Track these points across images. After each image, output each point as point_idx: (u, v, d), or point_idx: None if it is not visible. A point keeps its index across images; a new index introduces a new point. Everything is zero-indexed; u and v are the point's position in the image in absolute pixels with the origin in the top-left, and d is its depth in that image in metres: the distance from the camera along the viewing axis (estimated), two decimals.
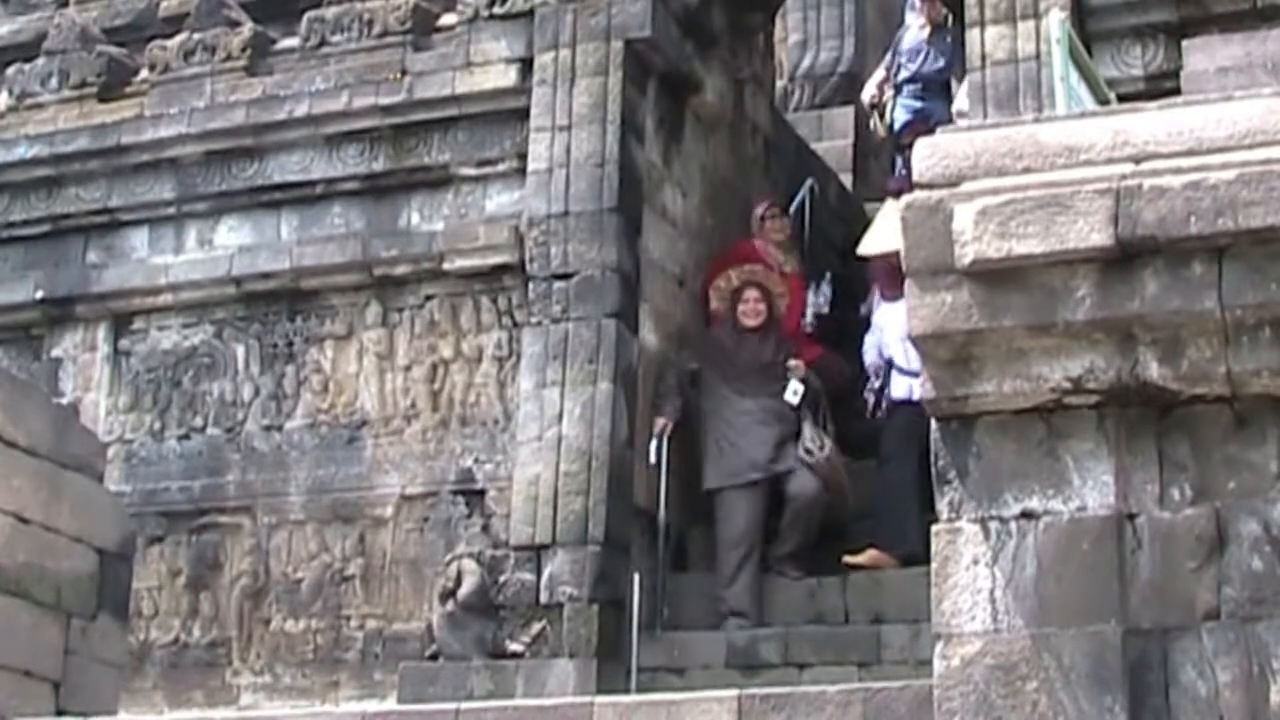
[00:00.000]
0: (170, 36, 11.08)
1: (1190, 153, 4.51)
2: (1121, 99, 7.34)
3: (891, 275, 8.65)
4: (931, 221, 4.65)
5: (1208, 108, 4.63)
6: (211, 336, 10.57)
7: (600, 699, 5.82)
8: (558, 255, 9.45)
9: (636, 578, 8.98)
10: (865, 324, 10.02)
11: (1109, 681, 4.42)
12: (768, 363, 9.61)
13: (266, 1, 11.27)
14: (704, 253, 10.41)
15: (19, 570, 6.97)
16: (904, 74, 11.62)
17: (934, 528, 4.70)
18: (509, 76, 9.92)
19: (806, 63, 14.62)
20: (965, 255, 4.56)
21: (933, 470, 4.74)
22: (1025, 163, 4.67)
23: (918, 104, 11.44)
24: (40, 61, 11.30)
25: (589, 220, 9.45)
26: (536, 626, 8.88)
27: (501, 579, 9.01)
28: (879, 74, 11.91)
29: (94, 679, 7.32)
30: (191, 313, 10.64)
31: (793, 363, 9.56)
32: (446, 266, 9.95)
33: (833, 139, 13.74)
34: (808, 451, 9.32)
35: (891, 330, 9.32)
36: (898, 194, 7.36)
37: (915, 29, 11.71)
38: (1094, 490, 4.56)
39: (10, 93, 11.32)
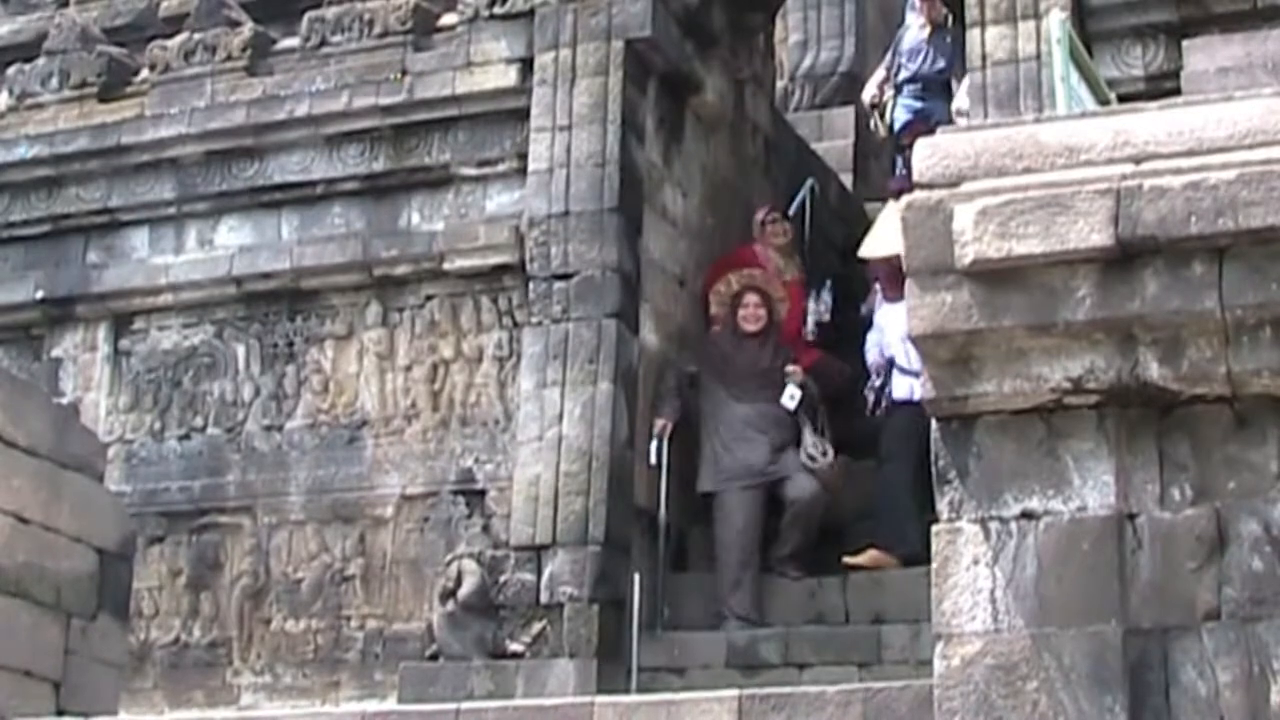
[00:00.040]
0: (170, 36, 11.08)
1: (1190, 153, 4.51)
2: (1122, 99, 7.34)
3: (893, 276, 8.65)
4: (931, 221, 4.65)
5: (1208, 108, 4.63)
6: (212, 336, 10.57)
7: (600, 699, 5.82)
8: (558, 255, 9.45)
9: (637, 578, 8.98)
10: (866, 324, 10.01)
11: (1109, 681, 4.42)
12: (766, 368, 9.61)
13: (266, 1, 11.27)
14: (704, 253, 10.41)
15: (19, 570, 6.97)
16: (904, 74, 11.61)
17: (934, 528, 4.70)
18: (509, 76, 9.92)
19: (807, 63, 14.62)
20: (965, 255, 4.56)
21: (933, 470, 4.74)
22: (1025, 163, 4.67)
23: (918, 104, 11.44)
24: (40, 61, 11.30)
25: (589, 220, 9.45)
26: (537, 626, 8.88)
27: (502, 579, 9.01)
28: (879, 74, 11.90)
29: (94, 679, 7.32)
30: (192, 313, 10.64)
31: (790, 368, 9.56)
32: (447, 266, 9.95)
33: (833, 139, 13.74)
34: (810, 458, 9.33)
35: (893, 330, 9.32)
36: (898, 194, 7.34)
37: (915, 29, 11.71)
38: (1094, 490, 4.56)
39: (10, 93, 11.32)
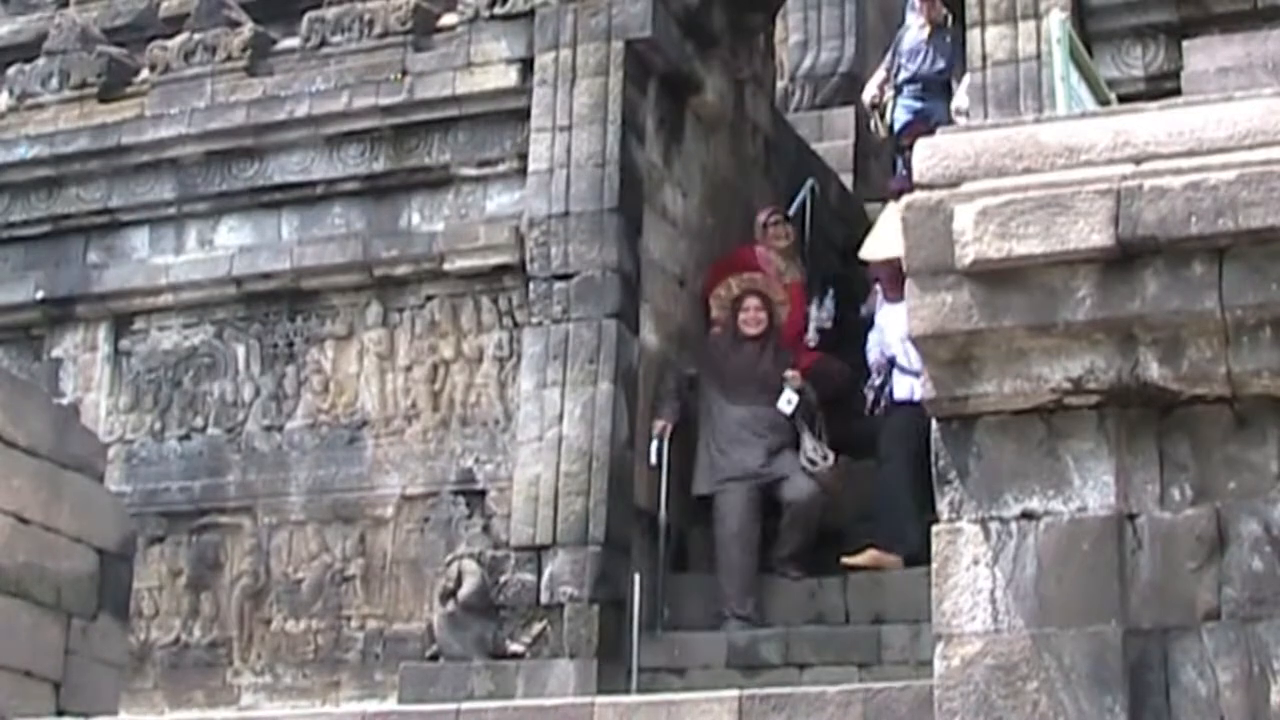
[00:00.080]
0: (170, 37, 11.08)
1: (1191, 153, 4.51)
2: (1122, 99, 7.34)
3: (894, 277, 8.65)
4: (932, 222, 4.65)
5: (1208, 108, 4.64)
6: (212, 337, 10.57)
7: (601, 699, 5.82)
8: (558, 255, 9.45)
9: (637, 578, 8.97)
10: (866, 325, 10.02)
11: (1109, 682, 4.42)
12: (765, 371, 9.61)
13: (267, 1, 11.27)
14: (704, 253, 10.41)
15: (19, 570, 6.97)
16: (904, 74, 11.62)
17: (934, 528, 4.70)
18: (509, 77, 9.92)
19: (807, 63, 14.62)
20: (965, 255, 4.56)
21: (933, 470, 4.74)
22: (1026, 163, 4.67)
23: (918, 104, 11.45)
24: (41, 62, 11.30)
25: (589, 220, 9.45)
26: (537, 627, 8.88)
27: (502, 579, 9.01)
28: (879, 74, 11.91)
29: (94, 679, 7.31)
30: (192, 313, 10.64)
31: (789, 373, 9.55)
32: (447, 267, 9.95)
33: (833, 139, 13.74)
34: (810, 462, 9.33)
35: (893, 331, 9.32)
36: (899, 195, 7.35)
37: (915, 29, 11.72)
38: (1094, 490, 4.56)
39: (11, 93, 11.32)
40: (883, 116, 11.79)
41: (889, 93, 11.69)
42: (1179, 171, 4.45)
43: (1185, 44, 8.78)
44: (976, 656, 4.53)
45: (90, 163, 10.87)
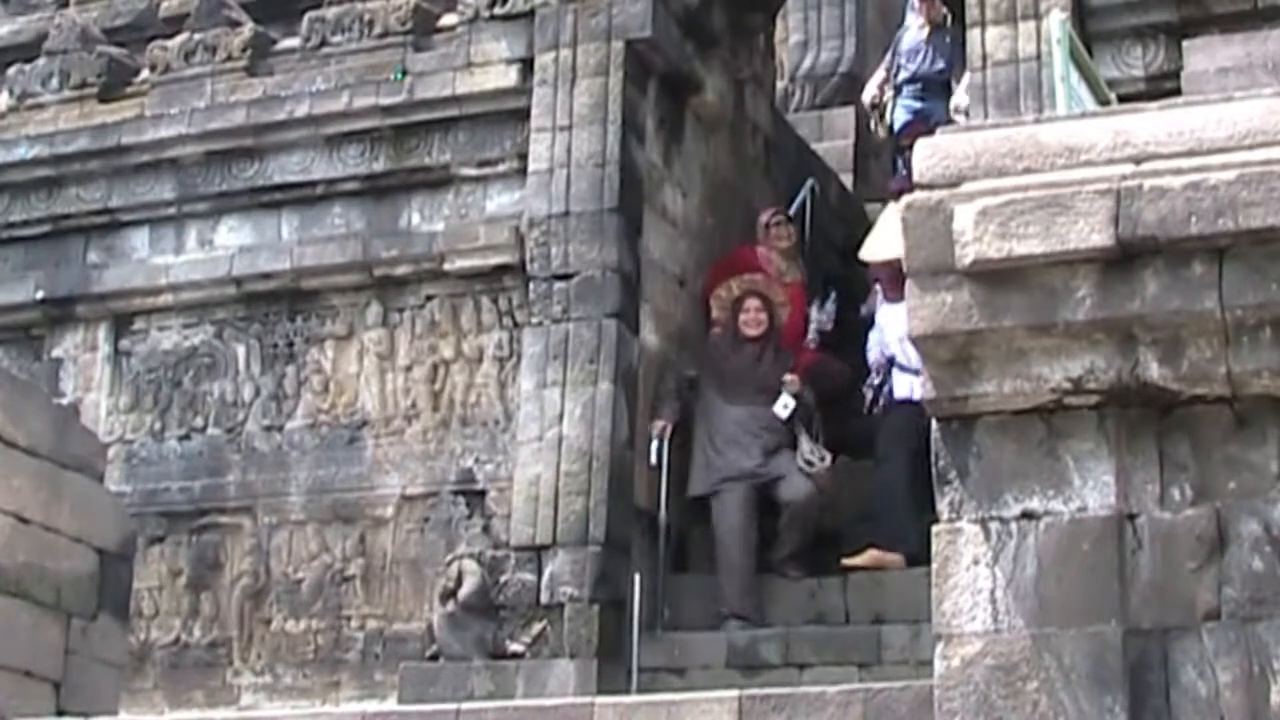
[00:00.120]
0: (170, 37, 11.08)
1: (1190, 153, 4.51)
2: (1122, 99, 7.35)
3: (894, 277, 8.65)
4: (932, 222, 4.65)
5: (1208, 108, 4.64)
6: (212, 337, 10.57)
7: (601, 699, 5.82)
8: (558, 255, 9.45)
9: (637, 578, 8.97)
10: (866, 325, 10.02)
11: (1109, 682, 4.42)
12: (765, 373, 9.60)
13: (267, 1, 11.27)
14: (704, 253, 10.41)
15: (19, 570, 6.97)
16: (903, 74, 11.62)
17: (934, 528, 4.70)
18: (509, 77, 9.92)
19: (807, 63, 14.62)
20: (965, 255, 4.56)
21: (933, 470, 4.74)
22: (1026, 163, 4.67)
23: (918, 104, 11.45)
24: (41, 62, 11.30)
25: (589, 220, 9.45)
26: (537, 627, 8.88)
27: (502, 579, 9.01)
28: (879, 75, 11.91)
29: (94, 679, 7.31)
30: (192, 313, 10.64)
31: (787, 377, 9.53)
32: (447, 267, 9.95)
33: (833, 139, 13.74)
34: (808, 463, 9.33)
35: (892, 330, 9.33)
36: (899, 195, 7.35)
37: (914, 29, 11.72)
38: (1094, 490, 4.56)
39: (11, 93, 11.32)
40: (882, 116, 11.79)
41: (889, 93, 11.70)
42: (1179, 171, 4.45)
43: (1185, 44, 8.78)
44: (976, 656, 4.53)
45: (90, 163, 10.87)
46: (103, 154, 10.82)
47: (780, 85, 13.56)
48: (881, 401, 9.59)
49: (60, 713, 7.01)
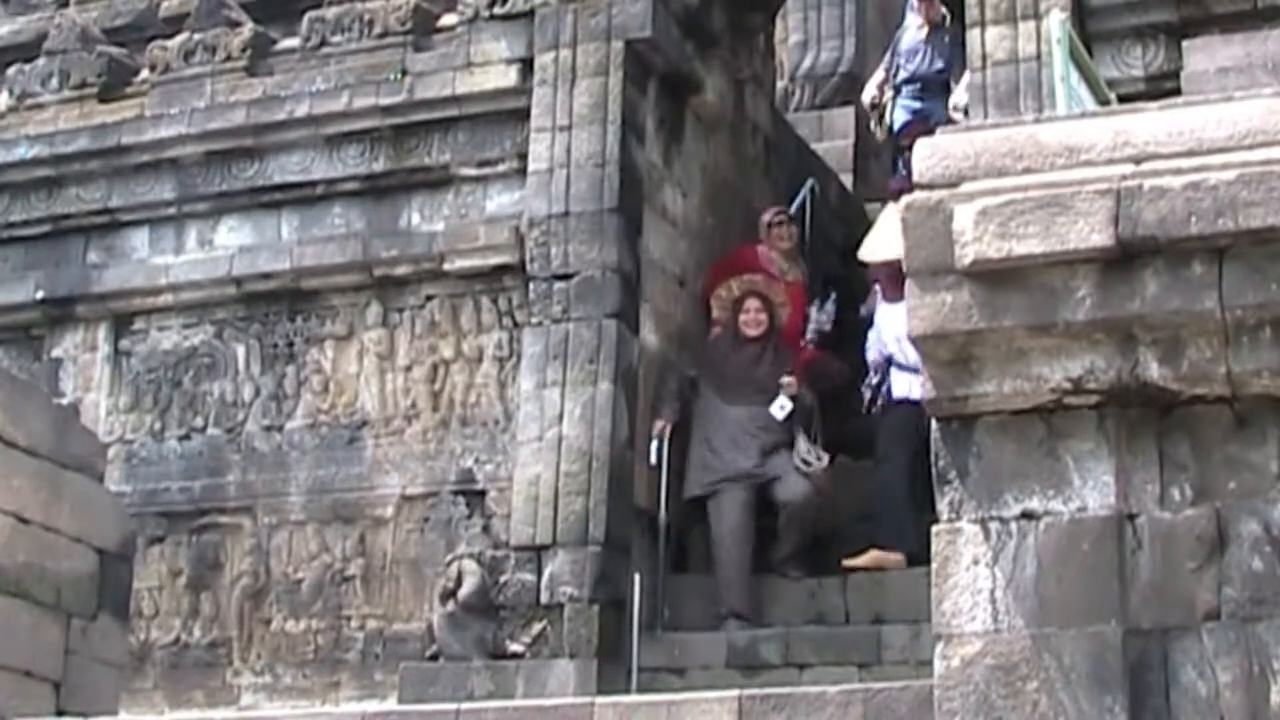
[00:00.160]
0: (170, 37, 11.08)
1: (1190, 153, 4.51)
2: (1122, 99, 7.35)
3: (893, 277, 8.65)
4: (931, 222, 4.65)
5: (1208, 108, 4.64)
6: (212, 337, 10.57)
7: (600, 699, 5.82)
8: (558, 256, 9.45)
9: (637, 578, 8.97)
10: (866, 324, 10.02)
11: (1109, 682, 4.42)
12: (765, 373, 9.60)
13: (266, 1, 11.27)
14: (704, 253, 10.41)
15: (19, 570, 6.97)
16: (903, 74, 11.62)
17: (934, 528, 4.70)
18: (509, 77, 9.92)
19: (807, 63, 14.62)
20: (965, 255, 4.56)
21: (933, 470, 4.74)
22: (1025, 163, 4.67)
23: (917, 104, 11.45)
24: (40, 62, 11.30)
25: (589, 220, 9.45)
26: (537, 627, 8.88)
27: (502, 579, 9.01)
28: (879, 75, 11.91)
29: (94, 679, 7.31)
30: (192, 313, 10.64)
31: (785, 380, 9.53)
32: (447, 267, 9.95)
33: (833, 139, 13.74)
34: (804, 463, 9.33)
35: (891, 330, 9.33)
36: (898, 195, 7.35)
37: (914, 29, 11.72)
38: (1094, 490, 4.56)
39: (10, 93, 11.32)
40: (882, 116, 11.79)
41: (888, 93, 11.69)
42: (1179, 171, 4.45)
43: (1185, 44, 8.78)
44: (976, 656, 4.53)
45: (90, 163, 10.87)
46: (103, 154, 10.82)
47: (780, 85, 13.56)
48: (880, 401, 9.59)
49: (60, 713, 7.01)
